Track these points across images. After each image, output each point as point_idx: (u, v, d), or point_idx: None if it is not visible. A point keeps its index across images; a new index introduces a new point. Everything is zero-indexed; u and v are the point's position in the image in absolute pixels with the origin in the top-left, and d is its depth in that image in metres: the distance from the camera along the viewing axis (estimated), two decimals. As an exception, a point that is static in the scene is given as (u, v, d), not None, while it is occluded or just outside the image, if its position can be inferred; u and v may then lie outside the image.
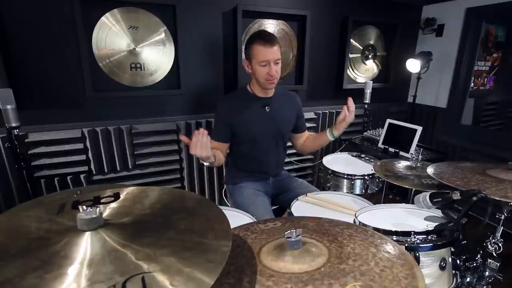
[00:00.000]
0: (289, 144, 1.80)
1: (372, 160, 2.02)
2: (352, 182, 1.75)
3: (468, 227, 1.03)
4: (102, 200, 0.76)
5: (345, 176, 1.75)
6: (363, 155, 2.10)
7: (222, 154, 1.54)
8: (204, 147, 1.18)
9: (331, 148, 2.86)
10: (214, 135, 1.55)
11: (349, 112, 1.48)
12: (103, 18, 1.83)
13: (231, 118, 1.54)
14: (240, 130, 1.56)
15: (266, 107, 1.58)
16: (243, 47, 2.24)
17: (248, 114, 1.55)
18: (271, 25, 2.33)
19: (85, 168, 1.98)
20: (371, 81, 2.55)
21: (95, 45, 1.84)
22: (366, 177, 1.73)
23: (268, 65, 1.43)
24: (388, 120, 2.30)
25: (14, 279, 0.49)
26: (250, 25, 2.25)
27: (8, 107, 1.42)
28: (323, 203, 1.42)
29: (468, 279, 1.13)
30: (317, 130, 2.73)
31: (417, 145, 2.09)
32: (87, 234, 0.59)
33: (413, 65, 2.63)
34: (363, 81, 2.73)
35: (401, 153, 2.11)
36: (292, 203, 1.41)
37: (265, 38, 1.42)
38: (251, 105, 1.56)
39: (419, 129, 2.05)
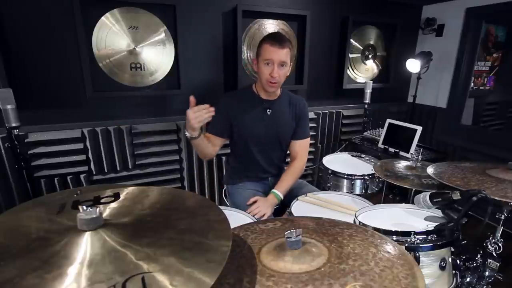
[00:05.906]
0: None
1: (372, 160, 2.02)
2: (352, 182, 1.75)
3: (468, 227, 1.03)
4: (102, 200, 0.76)
5: (345, 176, 1.75)
6: (363, 155, 2.10)
7: (214, 149, 1.52)
8: (199, 121, 1.25)
9: (331, 148, 2.87)
10: (211, 128, 1.53)
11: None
12: (103, 18, 1.83)
13: (231, 113, 1.53)
14: (239, 128, 1.55)
15: (268, 110, 1.56)
16: (244, 47, 2.25)
17: (249, 114, 1.54)
18: (271, 25, 2.32)
19: (85, 168, 1.98)
20: (371, 81, 2.55)
21: (95, 45, 1.84)
22: (366, 177, 1.73)
23: (272, 65, 1.41)
24: (388, 120, 2.30)
25: (14, 279, 0.49)
26: (250, 25, 2.25)
27: (8, 107, 1.42)
28: (323, 203, 1.41)
29: (468, 279, 1.13)
30: (317, 131, 2.73)
31: (417, 145, 2.09)
32: (87, 234, 0.59)
33: (413, 65, 2.63)
34: (363, 81, 2.73)
35: (401, 153, 2.11)
36: (292, 203, 1.41)
37: (276, 38, 1.41)
38: (253, 105, 1.55)
39: (419, 129, 2.05)
